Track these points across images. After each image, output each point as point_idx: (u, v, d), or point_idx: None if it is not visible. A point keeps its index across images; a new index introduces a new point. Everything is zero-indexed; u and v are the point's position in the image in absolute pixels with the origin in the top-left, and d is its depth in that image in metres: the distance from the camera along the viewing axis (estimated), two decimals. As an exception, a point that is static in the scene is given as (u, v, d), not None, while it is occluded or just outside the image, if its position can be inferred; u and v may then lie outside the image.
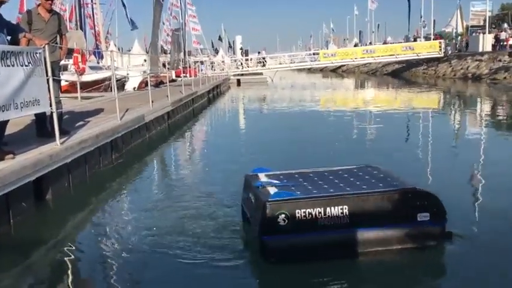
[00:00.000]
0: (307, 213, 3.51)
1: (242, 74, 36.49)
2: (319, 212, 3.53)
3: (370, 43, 55.76)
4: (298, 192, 3.71)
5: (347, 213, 3.56)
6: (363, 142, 9.54)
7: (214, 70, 33.29)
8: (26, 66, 5.03)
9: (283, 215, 3.48)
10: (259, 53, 48.17)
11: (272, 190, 3.78)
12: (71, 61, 16.37)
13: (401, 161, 7.12)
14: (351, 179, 4.07)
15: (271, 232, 3.51)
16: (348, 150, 8.41)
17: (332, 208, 3.54)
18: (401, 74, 37.97)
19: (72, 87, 15.12)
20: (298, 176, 4.27)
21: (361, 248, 3.66)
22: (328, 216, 3.53)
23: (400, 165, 6.44)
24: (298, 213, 3.50)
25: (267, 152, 8.36)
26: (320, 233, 3.54)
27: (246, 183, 4.33)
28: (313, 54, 40.99)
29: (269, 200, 3.54)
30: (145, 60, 20.91)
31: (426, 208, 3.70)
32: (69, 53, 13.41)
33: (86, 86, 15.20)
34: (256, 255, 3.68)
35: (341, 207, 3.56)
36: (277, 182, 4.03)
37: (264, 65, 37.93)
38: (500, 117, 13.36)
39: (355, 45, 50.72)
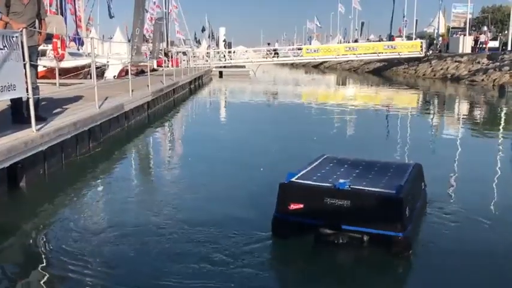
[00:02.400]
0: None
1: (225, 66, 36.28)
2: (412, 198, 3.77)
3: (368, 40, 56.13)
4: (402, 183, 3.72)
5: (412, 194, 3.87)
6: (332, 135, 9.94)
7: (196, 62, 32.98)
8: (1, 49, 4.92)
9: (407, 207, 3.51)
10: (268, 44, 47.48)
11: (382, 187, 3.60)
12: (50, 46, 16.03)
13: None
14: (360, 167, 4.27)
15: (406, 227, 3.43)
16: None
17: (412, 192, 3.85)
18: (382, 73, 38.32)
19: (50, 73, 14.83)
20: (324, 170, 4.15)
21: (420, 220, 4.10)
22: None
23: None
24: (407, 202, 3.56)
25: (244, 142, 8.44)
26: (414, 217, 3.72)
27: (295, 190, 3.77)
28: (297, 49, 41.08)
29: (399, 194, 3.42)
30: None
31: (423, 178, 4.53)
32: (49, 38, 13.12)
33: (65, 72, 14.93)
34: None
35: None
36: (349, 180, 3.73)
37: (273, 57, 38.22)
38: (473, 117, 13.71)
39: (355, 41, 51.23)
